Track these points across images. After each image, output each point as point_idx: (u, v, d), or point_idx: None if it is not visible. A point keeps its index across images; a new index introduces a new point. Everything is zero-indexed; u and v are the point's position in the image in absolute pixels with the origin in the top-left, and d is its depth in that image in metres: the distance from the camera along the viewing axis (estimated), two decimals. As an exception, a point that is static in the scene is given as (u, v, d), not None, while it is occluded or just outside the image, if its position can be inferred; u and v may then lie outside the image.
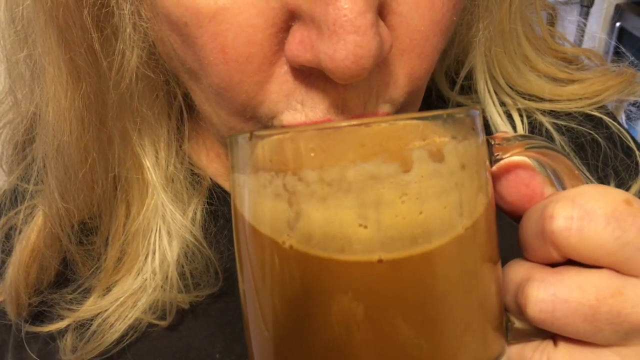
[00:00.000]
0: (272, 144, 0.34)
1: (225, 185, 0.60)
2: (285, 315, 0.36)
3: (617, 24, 2.59)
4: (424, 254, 0.34)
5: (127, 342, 0.56)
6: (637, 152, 0.65)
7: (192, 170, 0.58)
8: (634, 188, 0.63)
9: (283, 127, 0.42)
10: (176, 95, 0.54)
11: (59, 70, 0.47)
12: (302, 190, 0.33)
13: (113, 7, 0.45)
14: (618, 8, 2.60)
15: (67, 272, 0.58)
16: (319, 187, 0.33)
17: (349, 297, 0.34)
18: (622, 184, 0.64)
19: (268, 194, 0.34)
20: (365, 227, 0.33)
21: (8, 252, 0.59)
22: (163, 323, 0.57)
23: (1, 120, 0.61)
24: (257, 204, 0.35)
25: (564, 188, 0.40)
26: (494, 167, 0.39)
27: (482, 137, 0.38)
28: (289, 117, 0.44)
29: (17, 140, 0.60)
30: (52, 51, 0.47)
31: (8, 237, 0.60)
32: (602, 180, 0.64)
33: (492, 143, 0.39)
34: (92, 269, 0.57)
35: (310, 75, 0.42)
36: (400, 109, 0.47)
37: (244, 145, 0.35)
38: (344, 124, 0.33)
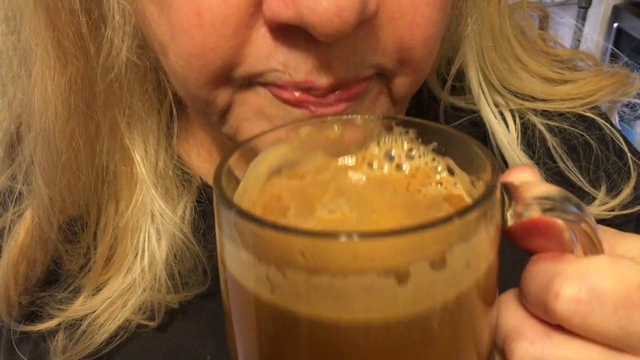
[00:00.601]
0: (255, 233, 0.31)
1: None
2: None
3: (615, 25, 2.60)
4: (414, 316, 0.32)
5: (117, 343, 0.56)
6: (629, 154, 0.65)
7: (181, 169, 0.58)
8: (626, 191, 0.63)
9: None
10: (166, 92, 0.54)
11: (46, 53, 0.47)
12: (286, 286, 0.31)
13: None
14: (615, 9, 2.60)
15: (56, 269, 0.58)
16: (304, 288, 0.30)
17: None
18: (614, 187, 0.63)
19: (251, 272, 0.32)
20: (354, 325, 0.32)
21: None
22: (152, 323, 0.56)
23: None
24: (240, 271, 0.33)
25: (580, 248, 0.36)
26: (514, 223, 0.36)
27: (497, 214, 0.35)
28: (273, 77, 0.44)
29: (7, 141, 0.60)
30: (40, 34, 0.47)
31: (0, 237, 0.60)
32: (594, 182, 0.63)
33: (510, 205, 0.36)
34: (80, 266, 0.57)
35: (292, 35, 0.42)
36: (391, 77, 0.47)
37: (226, 214, 0.32)
38: (339, 236, 0.29)
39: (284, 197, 0.38)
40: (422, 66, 0.48)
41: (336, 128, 0.40)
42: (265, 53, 0.43)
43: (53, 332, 0.57)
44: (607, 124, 0.66)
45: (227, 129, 0.48)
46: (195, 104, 0.47)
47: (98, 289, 0.56)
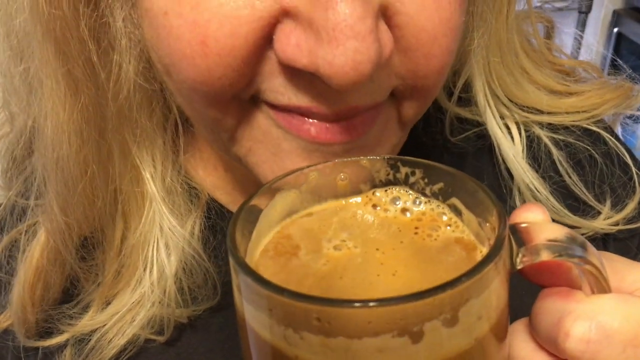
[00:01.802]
0: (272, 298, 0.32)
1: (223, 199, 0.61)
2: None
3: (615, 30, 2.62)
4: None
5: (126, 358, 0.57)
6: (634, 169, 0.65)
7: (188, 184, 0.58)
8: (631, 206, 0.63)
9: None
10: (171, 108, 0.54)
11: (56, 83, 0.47)
12: (303, 347, 0.32)
13: (108, 17, 0.45)
14: (615, 14, 2.62)
15: (71, 288, 0.58)
16: (321, 349, 0.32)
17: None
18: (619, 201, 0.64)
19: (269, 330, 0.33)
20: None
21: (12, 272, 0.59)
22: (161, 338, 0.57)
23: None
24: (259, 327, 0.34)
25: (588, 286, 0.37)
26: (525, 266, 0.37)
27: (507, 261, 0.36)
28: (271, 97, 0.44)
29: (14, 154, 0.61)
30: (50, 64, 0.47)
31: (11, 256, 0.60)
32: (599, 197, 0.64)
33: (519, 250, 0.37)
34: (95, 284, 0.57)
35: (300, 72, 0.42)
36: (402, 100, 0.47)
37: (243, 278, 0.33)
38: (353, 303, 0.30)
39: (294, 236, 0.39)
40: (433, 92, 0.48)
41: (342, 172, 0.42)
42: (274, 84, 0.43)
43: (61, 348, 0.58)
44: (612, 138, 0.66)
45: (238, 149, 0.48)
46: (203, 123, 0.48)
47: (107, 303, 0.57)
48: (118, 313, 0.56)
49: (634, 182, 0.65)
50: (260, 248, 0.39)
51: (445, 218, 0.40)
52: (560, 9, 2.39)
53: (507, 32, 0.60)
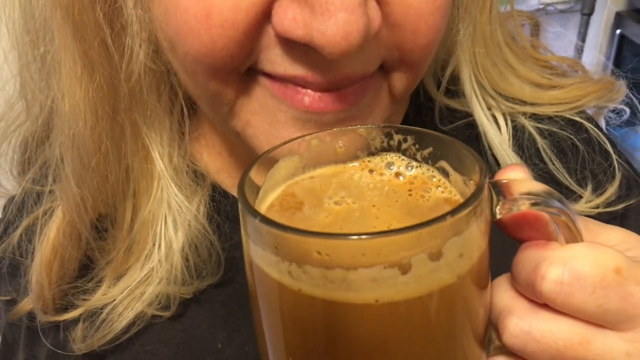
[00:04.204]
0: (278, 236, 0.36)
1: (227, 182, 0.65)
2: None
3: (618, 32, 2.66)
4: (416, 299, 0.37)
5: (135, 331, 0.60)
6: (614, 155, 0.69)
7: (193, 167, 0.62)
8: (610, 190, 0.68)
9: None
10: (177, 93, 0.58)
11: (74, 63, 0.51)
12: (305, 280, 0.36)
13: (120, 2, 0.49)
14: (618, 16, 2.66)
15: (86, 264, 0.62)
16: (321, 281, 0.36)
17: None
18: (599, 186, 0.68)
19: (275, 268, 0.37)
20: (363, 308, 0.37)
21: (30, 256, 0.63)
22: (167, 314, 0.60)
23: (13, 124, 0.64)
24: (265, 266, 0.38)
25: (563, 237, 0.41)
26: (504, 216, 0.41)
27: (487, 209, 0.39)
28: (268, 67, 0.49)
29: (29, 143, 0.64)
30: (68, 46, 0.51)
31: (29, 241, 0.64)
32: (580, 182, 0.68)
33: (499, 200, 0.40)
34: (107, 260, 0.60)
35: (296, 44, 0.46)
36: (391, 71, 0.51)
37: (251, 221, 0.37)
38: (349, 236, 0.34)
39: (297, 194, 0.44)
40: (420, 66, 0.52)
41: (341, 140, 0.46)
42: (271, 56, 0.48)
43: (75, 322, 0.61)
44: (594, 127, 0.70)
45: (237, 123, 0.52)
46: (204, 97, 0.51)
47: (118, 278, 0.60)
48: (128, 287, 0.59)
49: (614, 169, 0.69)
50: (266, 204, 0.43)
51: (435, 180, 0.45)
52: (563, 11, 2.43)
53: (491, 25, 0.64)
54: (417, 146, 0.45)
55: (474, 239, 0.38)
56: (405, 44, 0.49)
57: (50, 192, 0.61)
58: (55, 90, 0.54)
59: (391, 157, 0.46)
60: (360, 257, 0.35)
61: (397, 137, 0.46)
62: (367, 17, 0.44)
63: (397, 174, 0.45)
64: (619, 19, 2.63)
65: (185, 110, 0.59)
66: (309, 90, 0.49)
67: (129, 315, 0.60)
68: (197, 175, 0.62)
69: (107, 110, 0.54)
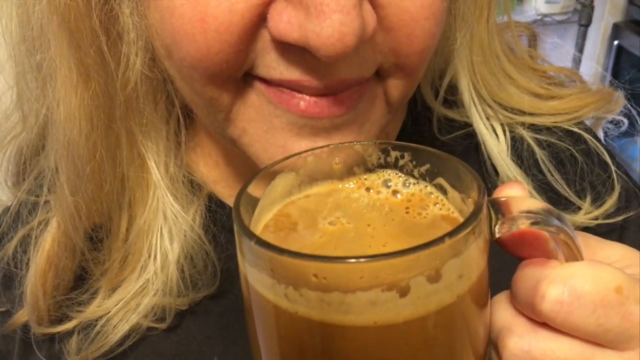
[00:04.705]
0: (274, 259, 0.36)
1: (224, 192, 0.65)
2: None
3: (615, 43, 2.67)
4: (415, 320, 0.37)
5: (130, 344, 0.60)
6: (612, 167, 0.69)
7: (190, 177, 0.62)
8: (609, 202, 0.68)
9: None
10: (174, 103, 0.58)
11: (69, 70, 0.51)
12: (302, 302, 0.36)
13: (117, 10, 0.50)
14: (616, 27, 2.67)
15: (81, 275, 0.62)
16: (318, 304, 0.36)
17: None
18: (598, 198, 0.68)
19: (271, 290, 0.37)
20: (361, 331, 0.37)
21: (25, 267, 0.63)
22: (162, 325, 0.60)
23: (9, 134, 0.64)
24: (261, 288, 0.38)
25: (562, 255, 0.41)
26: (503, 235, 0.41)
27: (485, 229, 0.39)
28: (264, 72, 0.49)
29: (25, 154, 0.64)
30: (64, 53, 0.51)
31: (24, 252, 0.63)
32: (579, 193, 0.68)
33: (498, 219, 0.40)
34: (102, 271, 0.60)
35: (292, 47, 0.46)
36: (386, 77, 0.51)
37: (247, 243, 0.37)
38: (347, 259, 0.35)
39: (292, 214, 0.44)
40: (416, 72, 0.52)
41: (337, 157, 0.46)
42: (267, 60, 0.48)
43: (69, 334, 0.61)
44: (592, 138, 0.70)
45: (233, 130, 0.52)
46: (200, 103, 0.51)
47: (114, 289, 0.60)
48: (123, 299, 0.59)
49: (613, 180, 0.69)
50: (262, 224, 0.43)
51: (432, 197, 0.44)
52: (560, 22, 2.45)
53: (489, 34, 0.64)
54: (414, 162, 0.45)
55: (473, 259, 0.38)
56: (401, 49, 0.49)
57: (45, 202, 0.61)
58: (50, 99, 0.54)
59: (388, 174, 0.46)
60: (357, 280, 0.35)
61: (394, 154, 0.46)
62: (362, 18, 0.44)
63: (395, 192, 0.45)
64: (616, 30, 2.65)
65: (181, 119, 0.59)
66: (304, 95, 0.49)
67: (124, 328, 0.60)
68: (194, 185, 0.62)
69: (102, 119, 0.54)
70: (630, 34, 2.58)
